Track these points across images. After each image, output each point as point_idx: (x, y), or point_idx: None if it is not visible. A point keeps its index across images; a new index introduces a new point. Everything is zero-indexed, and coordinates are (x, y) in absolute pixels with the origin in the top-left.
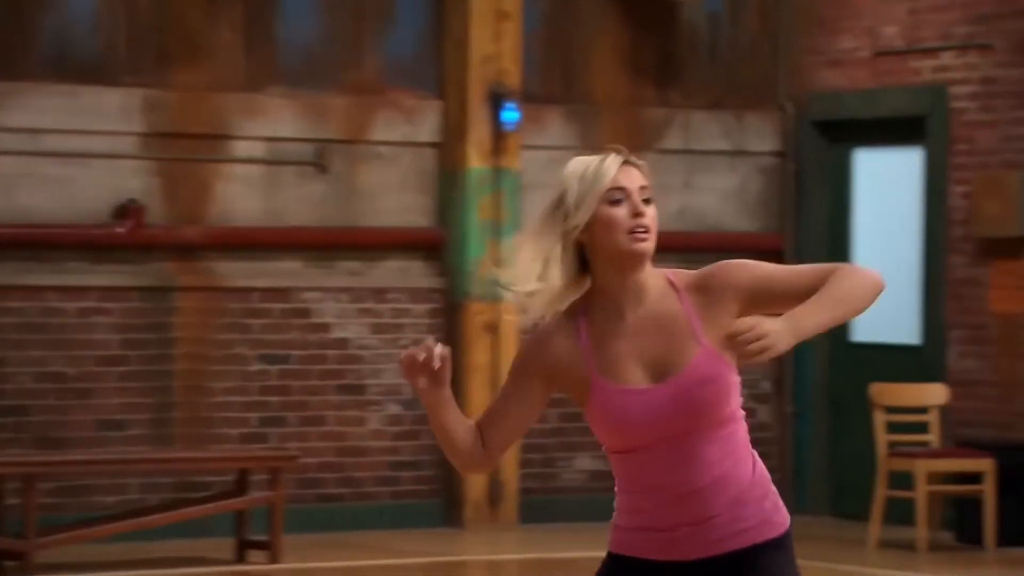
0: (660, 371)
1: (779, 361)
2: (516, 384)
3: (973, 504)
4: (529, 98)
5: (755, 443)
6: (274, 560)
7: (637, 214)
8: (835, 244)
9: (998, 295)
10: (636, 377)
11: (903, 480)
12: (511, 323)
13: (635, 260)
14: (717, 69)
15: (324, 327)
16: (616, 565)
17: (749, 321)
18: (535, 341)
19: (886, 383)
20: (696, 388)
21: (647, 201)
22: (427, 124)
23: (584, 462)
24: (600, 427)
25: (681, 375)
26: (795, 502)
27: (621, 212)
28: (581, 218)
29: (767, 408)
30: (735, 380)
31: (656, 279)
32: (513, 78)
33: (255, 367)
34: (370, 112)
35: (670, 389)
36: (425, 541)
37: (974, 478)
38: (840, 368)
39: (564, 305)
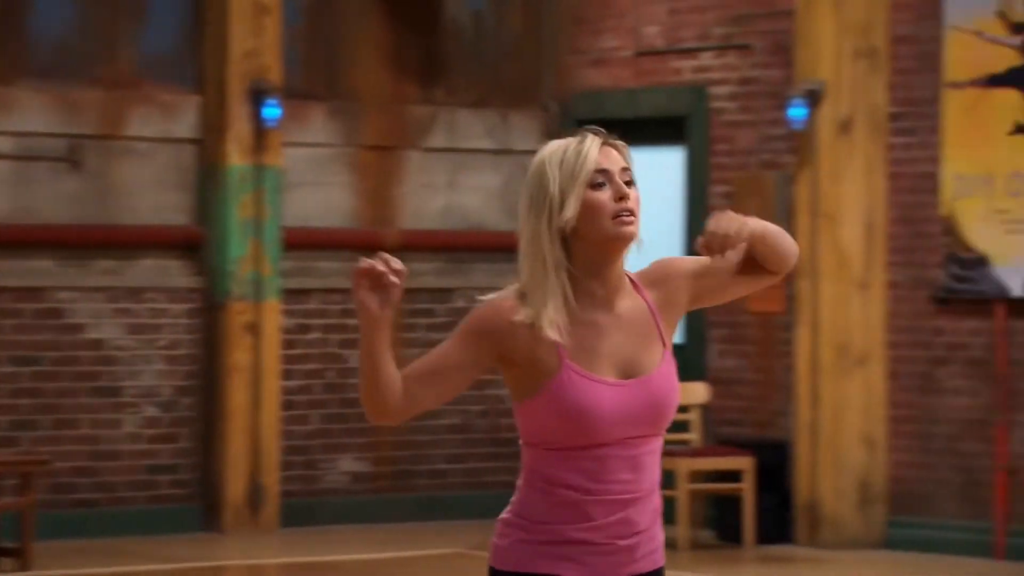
0: (628, 369)
1: None
2: (464, 349)
3: (733, 502)
4: (291, 94)
5: (506, 443)
6: (25, 567)
7: (621, 197)
8: None
9: (756, 295)
10: (606, 369)
11: (665, 479)
12: (273, 323)
13: (620, 245)
14: (481, 67)
15: (78, 327)
16: None
17: (708, 229)
18: (497, 313)
19: None
20: (661, 391)
21: (629, 183)
22: (185, 120)
23: (347, 464)
24: (559, 417)
25: (650, 377)
26: None
27: (604, 196)
28: (572, 209)
29: None
30: None
31: (623, 274)
32: (274, 74)
33: (6, 369)
34: (126, 107)
35: (638, 388)
36: (183, 546)
37: (734, 476)
38: None
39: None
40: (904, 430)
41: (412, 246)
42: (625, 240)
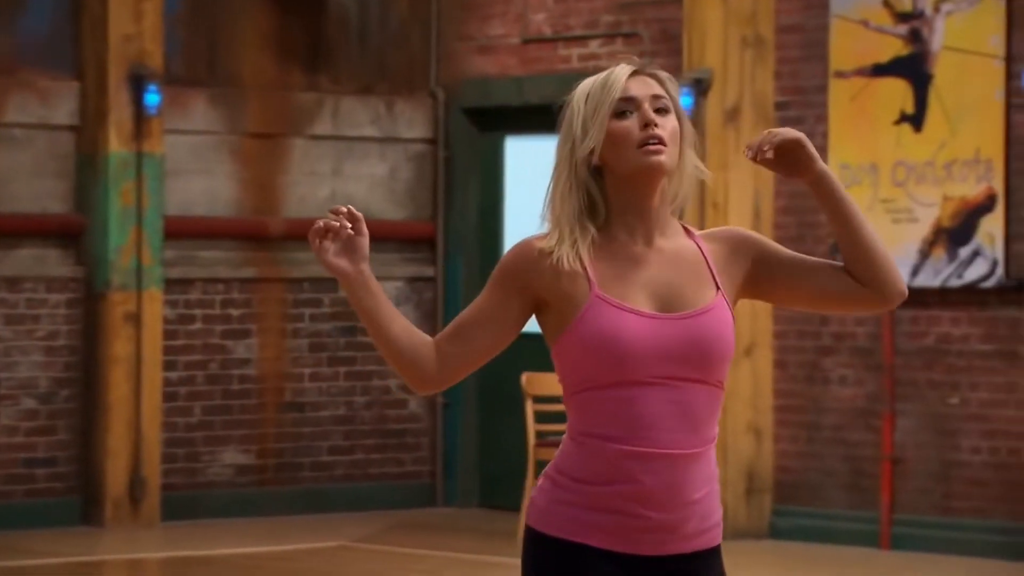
0: (670, 304)
1: None
2: (493, 294)
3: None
4: (172, 80)
5: (406, 434)
6: None
7: (647, 124)
8: (487, 232)
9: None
10: (641, 301)
11: None
12: (154, 313)
13: (650, 176)
14: (367, 54)
15: None
16: (568, 556)
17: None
18: (523, 250)
19: (536, 372)
20: (707, 331)
21: (662, 111)
22: (64, 106)
23: (230, 456)
24: (590, 352)
25: (694, 313)
26: (446, 495)
27: (629, 124)
28: (591, 143)
29: (418, 399)
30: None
31: (674, 221)
32: (155, 59)
33: None
34: (2, 93)
35: (680, 324)
36: (62, 541)
37: None
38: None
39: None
40: (791, 420)
41: (297, 235)
42: (653, 169)
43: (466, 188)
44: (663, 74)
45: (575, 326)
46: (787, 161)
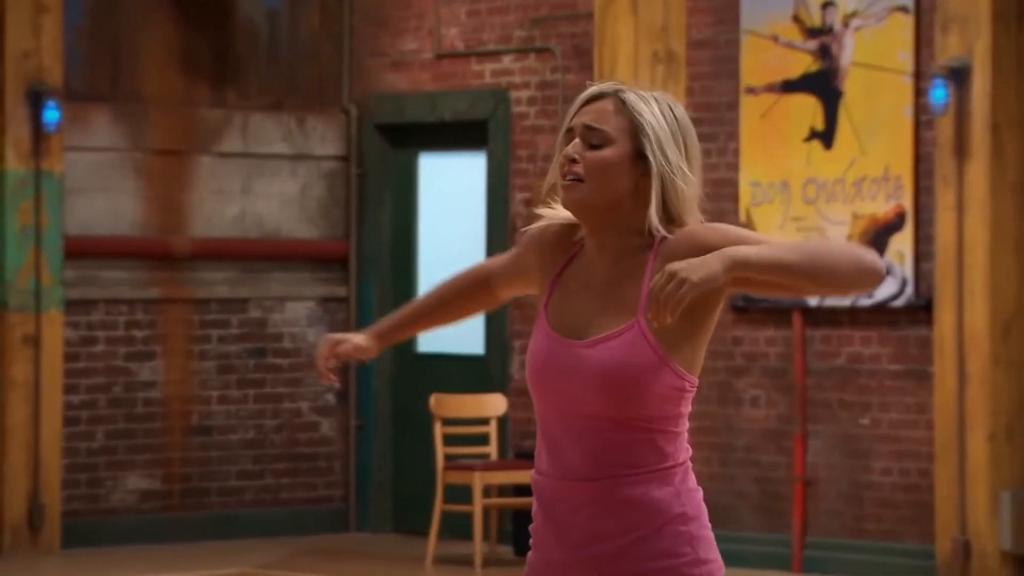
0: (582, 330)
1: (344, 372)
2: (514, 253)
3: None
4: (72, 96)
5: (318, 458)
6: None
7: (564, 159)
8: (400, 251)
9: None
10: (563, 327)
11: (460, 493)
12: (55, 335)
13: (569, 208)
14: (277, 69)
15: None
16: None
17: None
18: (540, 231)
19: (445, 394)
20: (599, 360)
21: (594, 146)
22: None
23: (134, 481)
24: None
25: (596, 340)
26: (359, 520)
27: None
28: (551, 173)
29: (331, 421)
30: (674, 384)
31: (637, 237)
32: (54, 75)
33: None
34: None
35: (579, 349)
36: None
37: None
38: (405, 379)
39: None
40: (703, 441)
41: (204, 255)
42: (567, 203)
43: (379, 206)
44: (630, 96)
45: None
46: (703, 297)
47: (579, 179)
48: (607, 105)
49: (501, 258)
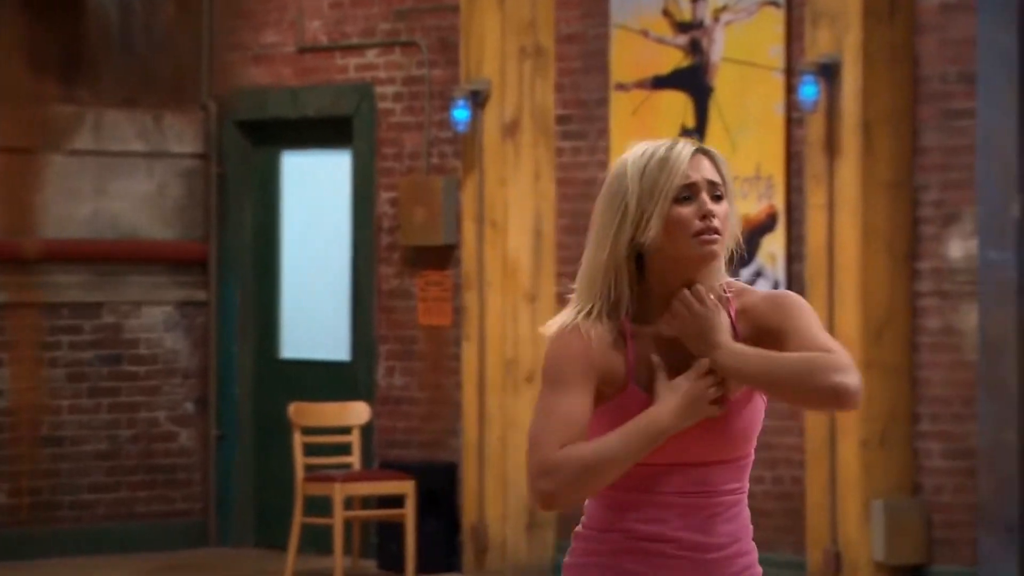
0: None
1: (203, 379)
2: (580, 385)
3: (396, 529)
4: None
5: (176, 470)
6: None
7: (705, 215)
8: (263, 253)
9: (425, 307)
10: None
11: (320, 505)
12: None
13: (699, 265)
14: (131, 64)
15: None
16: None
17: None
18: (579, 339)
19: (305, 402)
20: (736, 419)
21: (718, 198)
22: None
23: None
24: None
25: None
26: (220, 534)
27: (688, 212)
28: (652, 231)
29: (190, 431)
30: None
31: (710, 290)
32: None
33: None
34: None
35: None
36: None
37: (399, 501)
38: (267, 387)
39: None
40: None
41: (55, 257)
42: (706, 260)
43: (240, 206)
44: (716, 153)
45: (610, 407)
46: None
47: (719, 232)
48: (706, 160)
49: (576, 406)
